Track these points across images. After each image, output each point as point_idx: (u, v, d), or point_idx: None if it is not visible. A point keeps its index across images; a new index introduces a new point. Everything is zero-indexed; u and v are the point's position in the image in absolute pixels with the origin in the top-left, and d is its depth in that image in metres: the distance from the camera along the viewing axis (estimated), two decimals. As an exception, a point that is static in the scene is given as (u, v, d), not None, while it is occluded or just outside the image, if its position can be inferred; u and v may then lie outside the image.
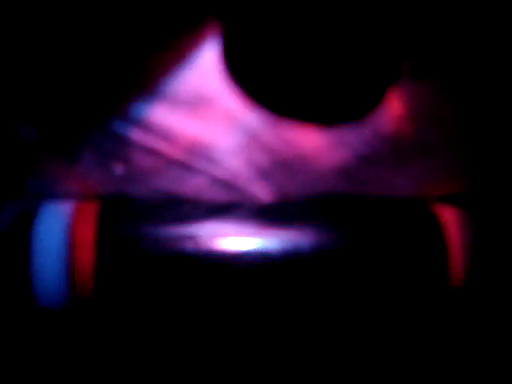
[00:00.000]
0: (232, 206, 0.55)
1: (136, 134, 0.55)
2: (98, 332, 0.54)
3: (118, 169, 0.55)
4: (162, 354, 0.55)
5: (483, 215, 0.57)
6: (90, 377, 0.55)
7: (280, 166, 0.56)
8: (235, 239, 0.54)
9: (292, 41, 0.55)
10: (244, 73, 0.56)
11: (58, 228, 0.53)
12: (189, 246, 0.53)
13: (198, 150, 0.55)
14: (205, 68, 0.56)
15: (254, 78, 0.56)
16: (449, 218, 0.56)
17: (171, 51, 0.55)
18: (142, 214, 0.54)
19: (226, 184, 0.56)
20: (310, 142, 0.56)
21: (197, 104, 0.55)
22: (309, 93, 0.56)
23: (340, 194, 0.56)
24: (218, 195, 0.56)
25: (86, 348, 0.55)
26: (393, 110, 0.56)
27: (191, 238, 0.54)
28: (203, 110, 0.55)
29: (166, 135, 0.55)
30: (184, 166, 0.55)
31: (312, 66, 0.55)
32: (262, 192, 0.56)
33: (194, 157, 0.55)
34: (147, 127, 0.55)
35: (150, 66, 0.55)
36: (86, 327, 0.53)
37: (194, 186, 0.56)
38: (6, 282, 0.52)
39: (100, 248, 0.52)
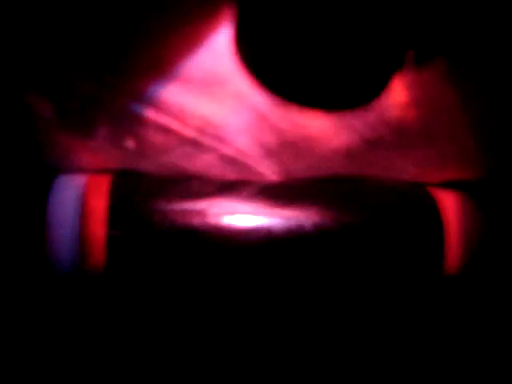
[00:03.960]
0: (239, 184, 0.57)
1: (149, 112, 0.57)
2: (108, 302, 0.56)
3: (130, 144, 0.57)
4: (170, 328, 0.57)
5: (486, 203, 0.59)
6: (97, 347, 0.57)
7: (287, 146, 0.58)
8: (242, 216, 0.56)
9: (301, 27, 0.56)
10: (255, 57, 0.58)
11: (71, 200, 0.55)
12: (196, 221, 0.56)
13: (208, 129, 0.57)
14: (217, 50, 0.57)
15: (264, 62, 0.58)
16: (449, 203, 0.58)
17: (185, 33, 0.57)
18: (153, 188, 0.57)
19: (234, 162, 0.58)
20: (317, 124, 0.58)
21: (208, 84, 0.57)
22: (316, 78, 0.58)
23: (343, 176, 0.58)
24: (226, 172, 0.58)
25: (95, 318, 0.57)
26: (397, 96, 0.58)
27: (199, 213, 0.56)
28: (214, 91, 0.57)
29: (177, 114, 0.57)
30: (194, 144, 0.57)
31: (320, 52, 0.57)
32: (269, 170, 0.58)
33: (204, 135, 0.57)
34: (160, 105, 0.57)
35: (165, 47, 0.57)
36: (97, 297, 0.56)
37: (203, 162, 0.58)
38: (23, 252, 0.55)
39: (111, 221, 0.55)
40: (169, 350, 0.58)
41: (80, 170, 0.57)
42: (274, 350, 0.58)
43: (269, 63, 0.58)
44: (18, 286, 0.56)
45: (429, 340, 0.59)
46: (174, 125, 0.57)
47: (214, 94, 0.57)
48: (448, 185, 0.59)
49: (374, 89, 0.58)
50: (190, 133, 0.57)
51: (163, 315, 0.57)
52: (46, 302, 0.56)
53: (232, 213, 0.56)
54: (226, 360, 0.58)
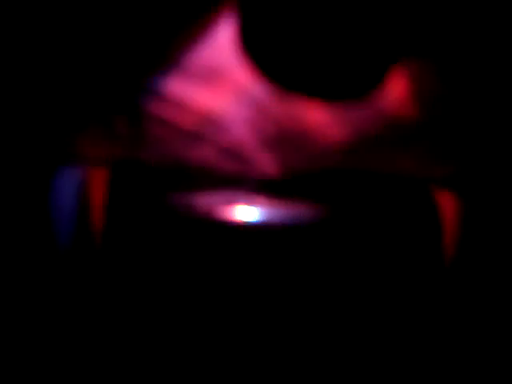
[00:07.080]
0: (239, 180, 0.59)
1: (150, 103, 0.58)
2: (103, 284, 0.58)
3: (131, 135, 0.59)
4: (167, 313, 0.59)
5: (477, 198, 0.60)
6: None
7: (285, 139, 0.59)
8: (242, 209, 0.57)
9: (302, 20, 0.57)
10: (257, 48, 0.59)
11: (73, 190, 0.57)
12: (196, 213, 0.57)
13: (207, 120, 0.58)
14: (219, 42, 0.58)
15: (266, 53, 0.59)
16: (446, 202, 0.59)
17: (187, 25, 0.58)
18: (152, 180, 0.58)
19: (232, 154, 0.59)
20: (315, 117, 0.58)
21: (209, 76, 0.58)
22: (316, 69, 0.59)
23: (341, 170, 0.59)
24: (226, 164, 0.59)
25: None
26: (395, 90, 0.59)
27: (198, 206, 0.57)
28: (215, 82, 0.58)
29: (178, 105, 0.58)
30: (193, 135, 0.58)
31: (320, 43, 0.58)
32: (267, 163, 0.59)
33: (203, 126, 0.58)
34: (161, 97, 0.58)
35: (168, 39, 0.58)
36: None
37: (201, 154, 0.58)
38: (30, 236, 0.57)
39: (110, 211, 0.56)
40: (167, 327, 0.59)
41: (81, 160, 0.59)
42: (269, 336, 0.59)
43: (270, 54, 0.59)
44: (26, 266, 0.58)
45: (425, 332, 0.60)
46: (173, 116, 0.58)
47: (214, 86, 0.58)
48: (442, 179, 0.60)
49: (372, 82, 0.59)
50: (190, 124, 0.58)
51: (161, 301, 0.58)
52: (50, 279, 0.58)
53: (232, 206, 0.57)
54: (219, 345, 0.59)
